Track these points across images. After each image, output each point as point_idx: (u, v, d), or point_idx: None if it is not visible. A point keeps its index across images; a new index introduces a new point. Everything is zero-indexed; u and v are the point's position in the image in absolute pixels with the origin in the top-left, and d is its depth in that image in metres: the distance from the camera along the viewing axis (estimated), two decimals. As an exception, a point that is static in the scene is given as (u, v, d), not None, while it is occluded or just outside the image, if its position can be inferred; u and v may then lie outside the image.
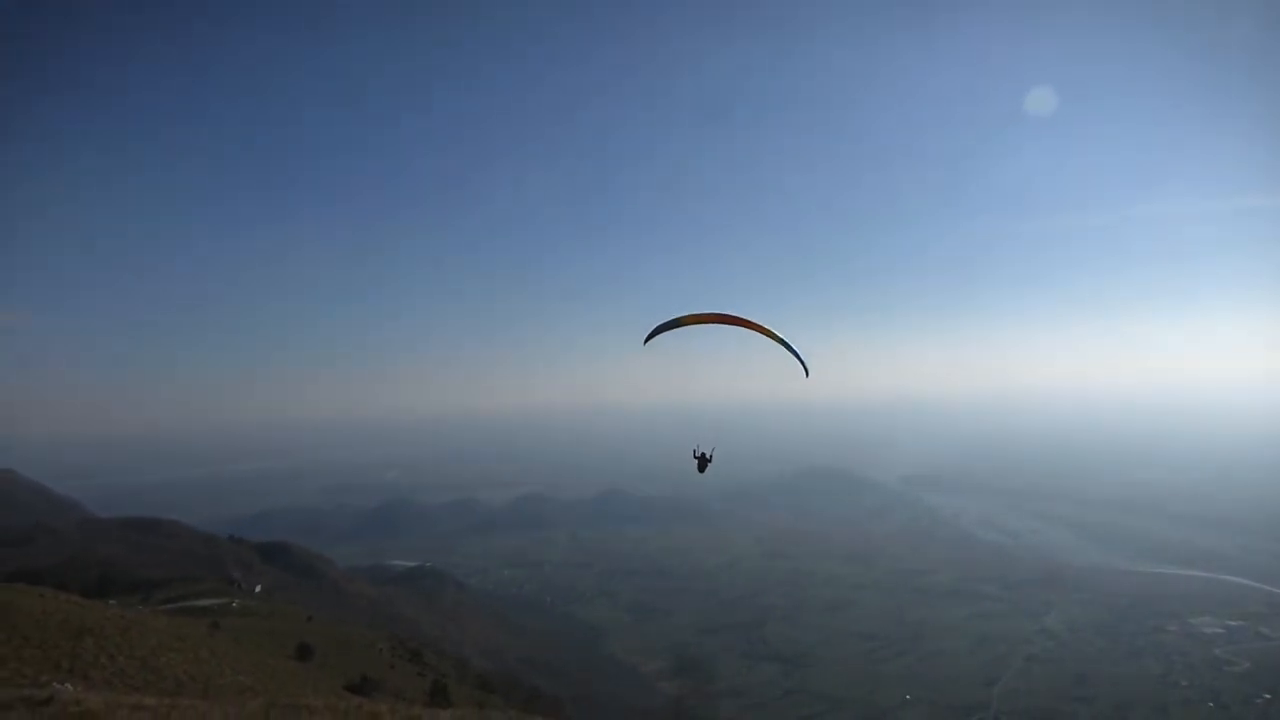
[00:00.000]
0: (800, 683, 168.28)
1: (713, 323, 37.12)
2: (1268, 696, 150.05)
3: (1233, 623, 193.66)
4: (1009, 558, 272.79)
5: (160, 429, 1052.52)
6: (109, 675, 33.79)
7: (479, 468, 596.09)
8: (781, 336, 37.60)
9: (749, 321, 37.27)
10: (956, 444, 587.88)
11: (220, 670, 41.99)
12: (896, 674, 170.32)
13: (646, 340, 37.34)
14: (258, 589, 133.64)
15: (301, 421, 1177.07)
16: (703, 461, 40.73)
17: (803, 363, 38.72)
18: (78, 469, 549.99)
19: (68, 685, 28.41)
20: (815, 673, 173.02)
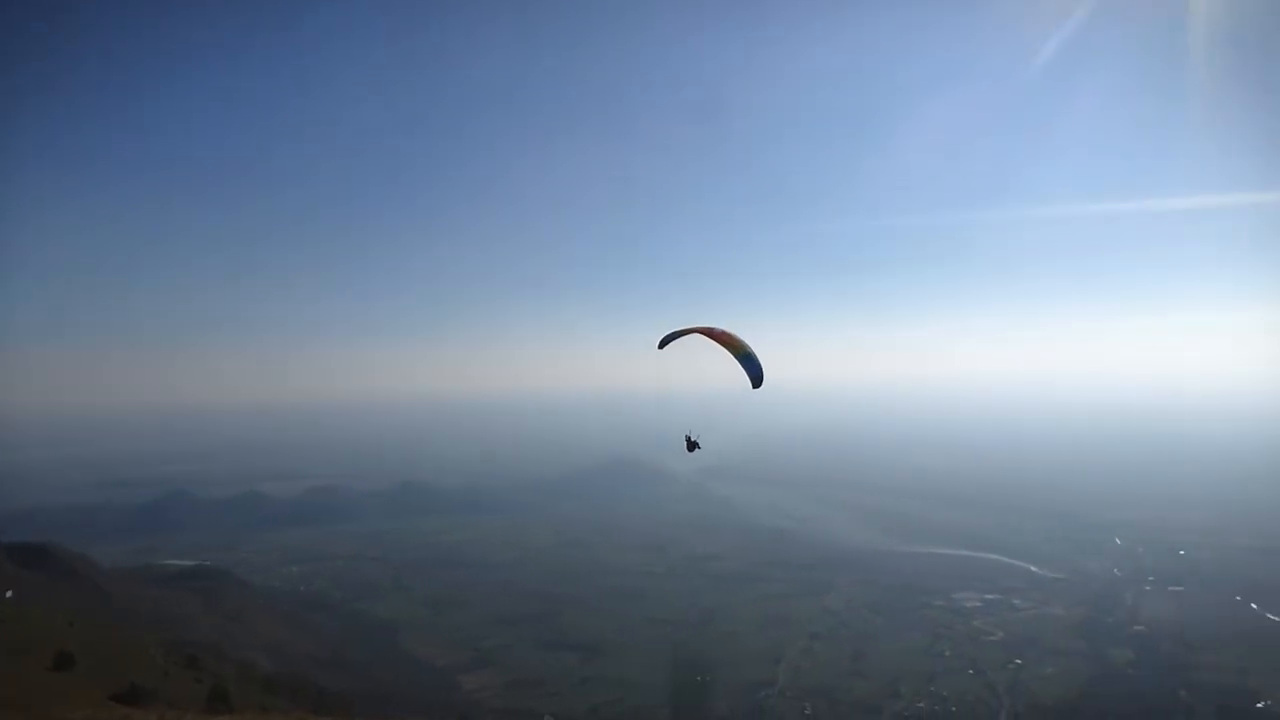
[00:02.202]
0: (596, 670, 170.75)
1: (703, 334, 42.78)
2: (1019, 662, 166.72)
3: (990, 596, 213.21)
4: (795, 542, 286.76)
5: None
6: None
7: (266, 460, 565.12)
8: (749, 352, 41.71)
9: (730, 336, 41.95)
10: (749, 436, 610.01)
11: (-38, 685, 37.88)
12: (689, 657, 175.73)
13: (661, 345, 42.98)
14: (8, 594, 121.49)
15: (71, 409, 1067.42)
16: (691, 444, 48.05)
17: (754, 380, 42.94)
18: None
19: None
20: (611, 660, 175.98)
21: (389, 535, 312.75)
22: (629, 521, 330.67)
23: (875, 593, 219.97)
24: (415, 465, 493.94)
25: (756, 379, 44.61)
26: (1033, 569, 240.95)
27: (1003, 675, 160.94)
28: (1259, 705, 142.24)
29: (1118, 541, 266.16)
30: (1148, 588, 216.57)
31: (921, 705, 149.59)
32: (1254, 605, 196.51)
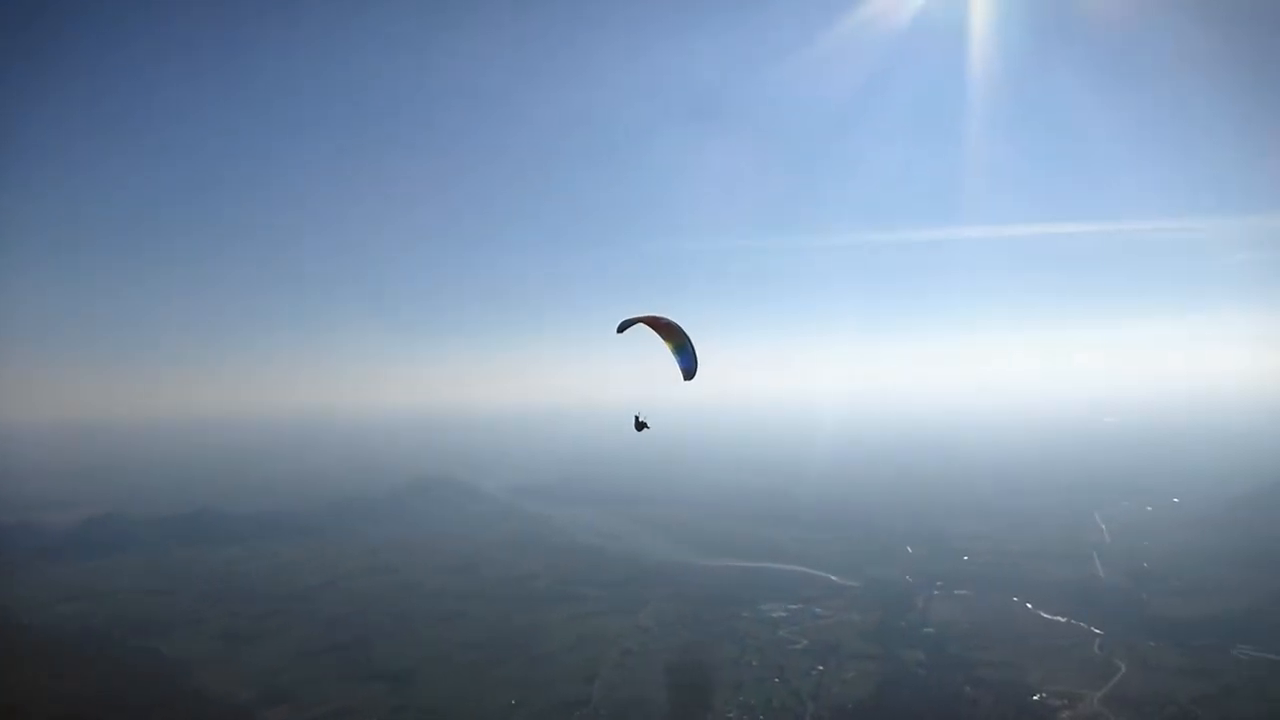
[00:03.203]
0: (407, 699, 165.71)
1: (648, 323, 45.06)
2: (821, 668, 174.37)
3: (793, 606, 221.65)
4: (608, 560, 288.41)
5: None
6: None
7: (40, 485, 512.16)
8: (684, 343, 43.46)
9: (672, 327, 43.89)
10: (564, 456, 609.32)
11: None
12: (503, 680, 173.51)
13: (620, 330, 45.51)
14: None
15: None
16: (640, 424, 53.02)
17: (686, 372, 44.81)
18: None
19: None
20: (421, 688, 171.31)
21: (181, 566, 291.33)
22: (442, 543, 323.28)
23: (687, 607, 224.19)
24: (214, 489, 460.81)
25: (689, 371, 47.09)
26: (833, 578, 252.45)
27: (807, 682, 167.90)
28: (1034, 697, 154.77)
29: (909, 550, 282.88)
30: (936, 592, 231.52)
31: (731, 715, 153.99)
32: (1029, 605, 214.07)
